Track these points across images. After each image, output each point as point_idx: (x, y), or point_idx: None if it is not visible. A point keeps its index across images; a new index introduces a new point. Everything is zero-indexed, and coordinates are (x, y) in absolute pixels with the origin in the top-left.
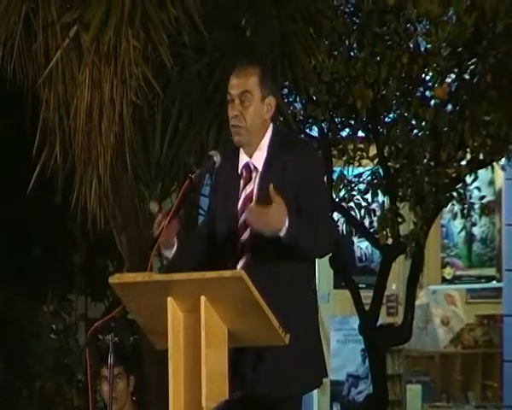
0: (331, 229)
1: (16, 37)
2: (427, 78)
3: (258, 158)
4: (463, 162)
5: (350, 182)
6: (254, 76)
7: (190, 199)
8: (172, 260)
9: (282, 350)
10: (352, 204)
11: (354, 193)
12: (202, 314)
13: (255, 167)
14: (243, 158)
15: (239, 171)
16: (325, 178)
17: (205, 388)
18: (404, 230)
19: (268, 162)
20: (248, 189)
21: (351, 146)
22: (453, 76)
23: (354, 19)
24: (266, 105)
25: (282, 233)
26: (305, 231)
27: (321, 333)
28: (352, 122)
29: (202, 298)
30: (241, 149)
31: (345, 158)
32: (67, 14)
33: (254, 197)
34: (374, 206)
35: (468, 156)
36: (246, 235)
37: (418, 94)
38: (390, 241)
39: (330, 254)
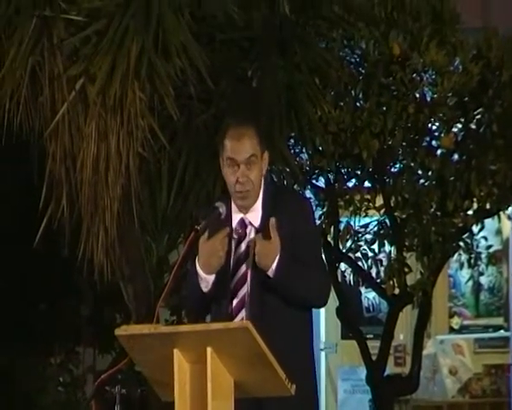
0: (327, 277)
1: (22, 89)
2: (434, 127)
3: (254, 214)
4: (470, 212)
5: (356, 232)
6: (255, 137)
7: (196, 250)
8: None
9: (282, 403)
10: (358, 254)
11: (361, 243)
12: (208, 366)
13: (250, 223)
14: (237, 215)
15: (236, 228)
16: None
17: None
18: (411, 280)
19: (264, 218)
20: (243, 245)
21: (357, 196)
22: (459, 125)
23: (360, 69)
24: (264, 161)
25: (270, 273)
26: (299, 279)
27: (328, 384)
28: (359, 172)
29: (208, 349)
30: (234, 208)
31: (351, 208)
32: (73, 66)
33: (250, 255)
34: (380, 256)
35: (475, 206)
36: (243, 291)
37: (424, 144)
38: (397, 291)
39: (337, 305)
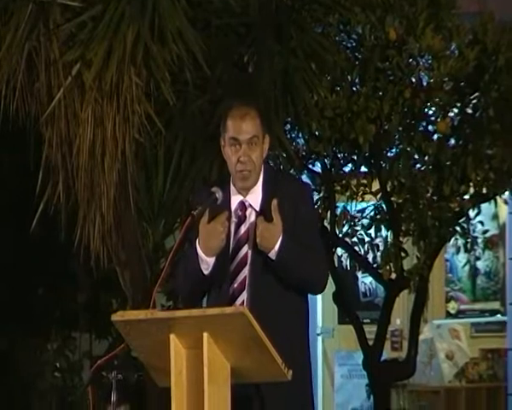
0: (326, 261)
1: (19, 75)
2: (430, 112)
3: (254, 196)
4: (466, 196)
5: (353, 217)
6: (258, 118)
7: (192, 235)
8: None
9: (276, 390)
10: (355, 239)
11: (357, 228)
12: (205, 351)
13: (250, 205)
14: (236, 197)
15: (232, 212)
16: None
17: None
18: (407, 264)
19: (264, 200)
20: (243, 228)
21: (354, 181)
22: (456, 110)
23: (356, 54)
24: (265, 143)
25: (272, 255)
26: (300, 262)
27: (325, 368)
28: (355, 157)
29: (205, 335)
30: (233, 190)
31: (348, 193)
32: (69, 52)
33: (251, 237)
34: (377, 241)
35: (472, 190)
36: (243, 274)
37: (421, 128)
38: (393, 276)
39: (334, 290)
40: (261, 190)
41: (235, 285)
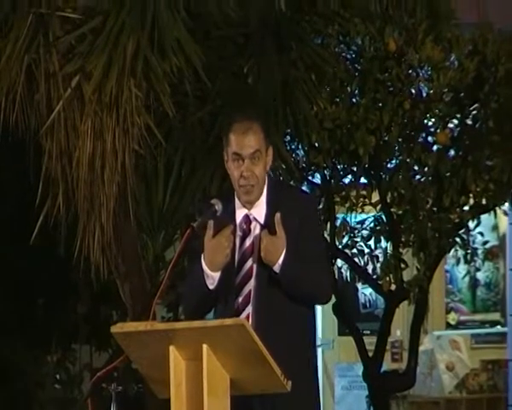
0: (329, 274)
1: (18, 87)
2: (430, 123)
3: (259, 210)
4: (466, 207)
5: (353, 228)
6: (261, 132)
7: (192, 247)
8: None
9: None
10: (355, 251)
11: (357, 239)
12: (204, 363)
13: (255, 218)
14: (241, 211)
15: (236, 226)
16: (321, 221)
17: None
18: (407, 275)
19: (268, 213)
20: (248, 241)
21: (353, 193)
22: (455, 121)
23: (356, 65)
24: (268, 156)
25: (276, 269)
26: (304, 274)
27: (325, 380)
28: (355, 169)
29: (204, 346)
30: (238, 203)
31: (347, 205)
32: (69, 64)
33: (255, 250)
34: (377, 252)
35: (471, 201)
36: (248, 287)
37: (420, 140)
38: (393, 287)
39: (334, 301)
40: (265, 203)
41: (241, 299)
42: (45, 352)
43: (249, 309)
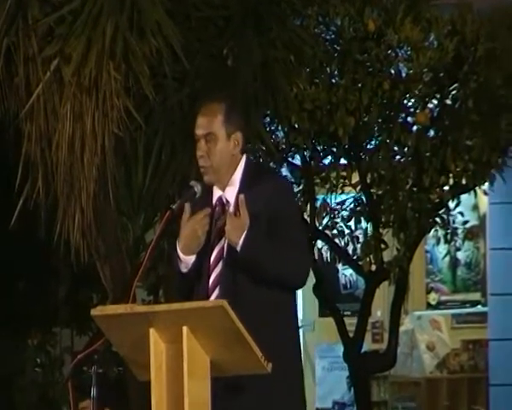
0: (305, 258)
1: None
2: (409, 104)
3: (230, 192)
4: (446, 187)
5: (333, 209)
6: (219, 115)
7: (171, 230)
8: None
9: (253, 385)
10: (335, 231)
11: (337, 220)
12: (184, 345)
13: (227, 201)
14: (217, 192)
15: (213, 205)
16: (298, 205)
17: None
18: (387, 256)
19: (238, 195)
20: (219, 223)
21: (333, 174)
22: (435, 101)
23: (335, 46)
24: (233, 141)
25: (238, 248)
26: (272, 257)
27: (306, 361)
28: (335, 150)
29: (184, 329)
30: (214, 187)
31: (327, 186)
32: (48, 47)
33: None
34: (357, 233)
35: (451, 181)
36: (218, 269)
37: (400, 120)
38: (374, 267)
39: (314, 282)
40: (238, 185)
41: (211, 281)
42: (25, 336)
43: (217, 292)
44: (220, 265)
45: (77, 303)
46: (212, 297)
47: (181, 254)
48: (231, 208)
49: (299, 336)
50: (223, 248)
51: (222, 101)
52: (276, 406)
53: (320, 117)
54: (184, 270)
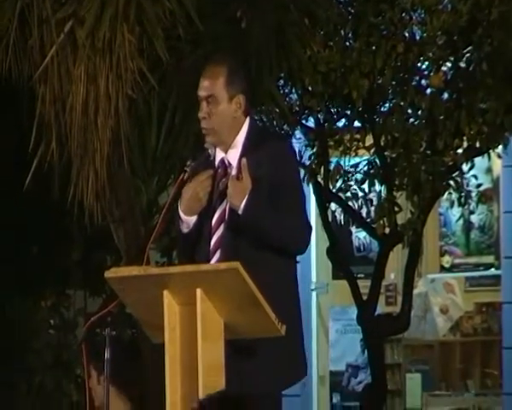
0: (305, 223)
1: (11, 33)
2: (423, 66)
3: (233, 154)
4: (460, 150)
5: (346, 172)
6: (221, 77)
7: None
8: (188, 234)
9: (254, 348)
10: (348, 194)
11: (351, 183)
12: (198, 307)
13: (230, 163)
14: (219, 154)
15: (216, 167)
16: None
17: (202, 380)
18: (401, 219)
19: (241, 158)
20: (222, 186)
21: (347, 136)
22: (449, 64)
23: (349, 8)
24: (235, 104)
25: (239, 211)
26: (274, 222)
27: (319, 324)
28: (348, 112)
29: (198, 291)
30: (217, 149)
31: (341, 148)
32: (62, 9)
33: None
34: (371, 196)
35: (465, 144)
36: (220, 231)
37: (414, 83)
38: (387, 230)
39: (328, 245)
40: (241, 147)
41: (212, 243)
42: (39, 297)
43: (218, 254)
44: (222, 227)
45: (90, 265)
46: (214, 260)
47: (182, 215)
48: (234, 171)
49: (299, 300)
50: (224, 210)
51: (225, 63)
52: (279, 367)
53: (334, 79)
54: (185, 230)
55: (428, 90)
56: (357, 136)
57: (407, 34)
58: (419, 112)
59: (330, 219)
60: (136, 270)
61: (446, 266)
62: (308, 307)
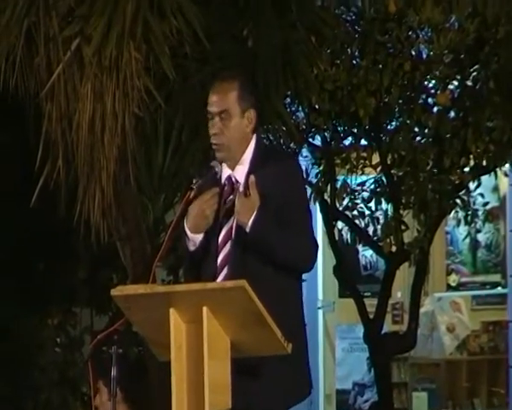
0: (312, 241)
1: (18, 51)
2: (430, 85)
3: (240, 171)
4: (467, 169)
5: (353, 190)
6: (233, 92)
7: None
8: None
9: (260, 366)
10: (355, 212)
11: (358, 201)
12: (205, 325)
13: (237, 181)
14: (226, 171)
15: (222, 184)
16: (305, 189)
17: (208, 399)
18: (407, 237)
19: (249, 174)
20: (229, 202)
21: (354, 154)
22: (455, 83)
23: (356, 27)
24: (247, 119)
25: (247, 228)
26: (281, 239)
27: (326, 342)
28: (355, 130)
29: (204, 309)
30: (224, 164)
31: (348, 166)
32: (69, 27)
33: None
34: (377, 214)
35: (472, 163)
36: (226, 249)
37: (421, 101)
38: (394, 249)
39: (334, 263)
40: (248, 164)
41: (219, 261)
42: (46, 315)
43: (225, 272)
44: (228, 245)
45: (97, 283)
46: (220, 277)
47: (188, 233)
48: (241, 188)
49: (304, 317)
50: (231, 227)
51: (235, 78)
52: (284, 386)
53: (341, 98)
54: (192, 248)
55: (435, 109)
56: (364, 154)
57: (414, 52)
58: (426, 130)
59: (337, 237)
60: (143, 288)
61: (453, 284)
62: (314, 325)
